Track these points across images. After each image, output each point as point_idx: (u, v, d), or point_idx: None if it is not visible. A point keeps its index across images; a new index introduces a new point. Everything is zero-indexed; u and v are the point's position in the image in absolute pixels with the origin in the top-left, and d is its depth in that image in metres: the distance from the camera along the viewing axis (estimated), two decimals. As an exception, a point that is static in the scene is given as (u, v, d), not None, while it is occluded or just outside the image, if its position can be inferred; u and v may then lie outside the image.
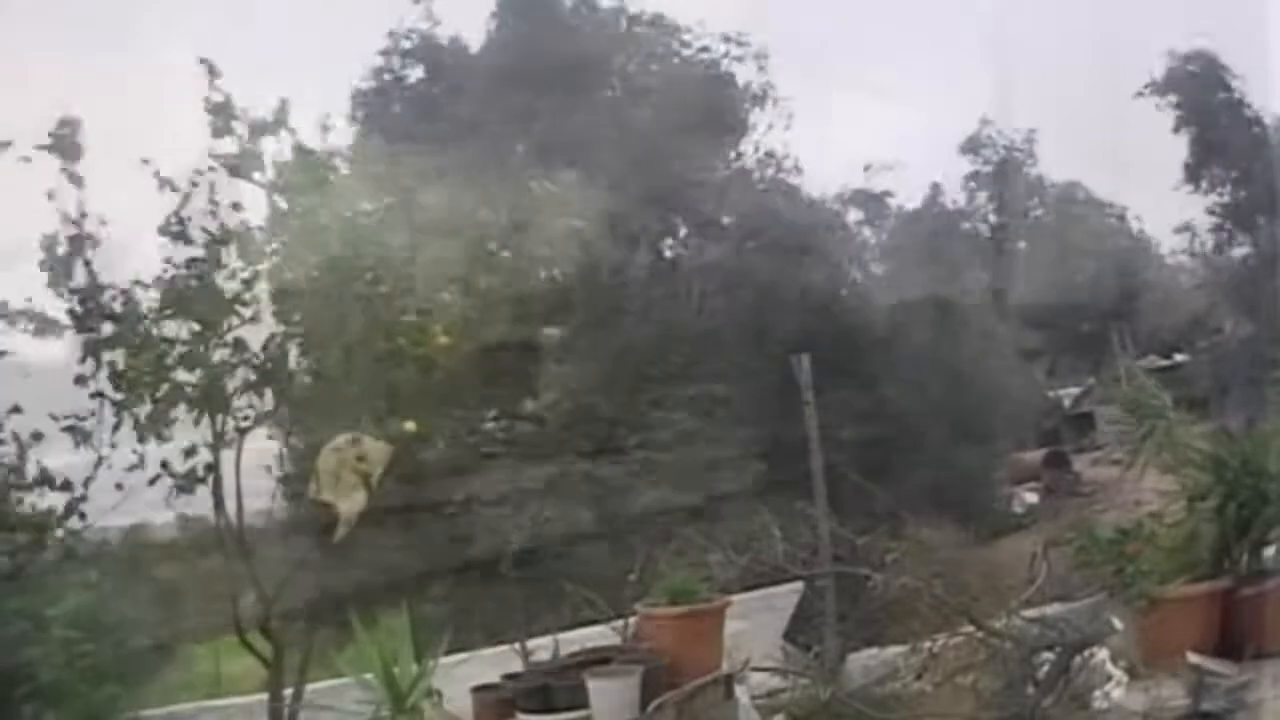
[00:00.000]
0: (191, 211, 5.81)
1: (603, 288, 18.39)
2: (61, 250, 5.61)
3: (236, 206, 5.86)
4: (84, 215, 5.60)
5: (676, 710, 6.04)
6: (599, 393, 17.39)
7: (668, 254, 20.17)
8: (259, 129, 5.87)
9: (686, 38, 21.07)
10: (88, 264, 5.65)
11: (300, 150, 5.97)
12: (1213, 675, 5.60)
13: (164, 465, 5.66)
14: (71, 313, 5.63)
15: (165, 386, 5.62)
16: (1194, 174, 22.47)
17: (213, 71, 5.84)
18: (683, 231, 20.11)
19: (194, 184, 5.77)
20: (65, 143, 5.62)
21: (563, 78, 19.06)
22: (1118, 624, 6.15)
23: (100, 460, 5.65)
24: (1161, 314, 24.41)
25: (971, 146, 24.04)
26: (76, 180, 5.62)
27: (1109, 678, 5.94)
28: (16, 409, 5.78)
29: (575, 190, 17.34)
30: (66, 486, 5.75)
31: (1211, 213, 22.61)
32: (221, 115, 5.84)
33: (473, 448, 16.84)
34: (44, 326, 5.64)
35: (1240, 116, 21.90)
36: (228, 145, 5.86)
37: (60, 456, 5.77)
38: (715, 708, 6.27)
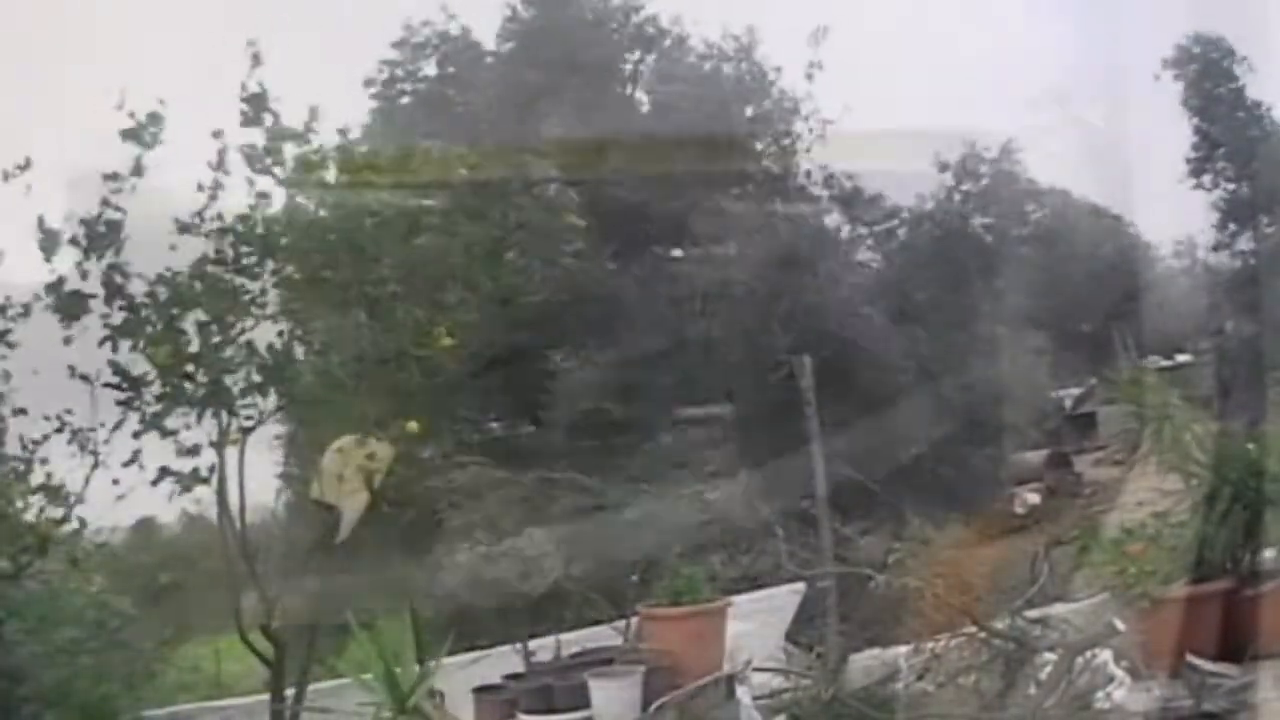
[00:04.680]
0: (211, 205, 5.83)
1: (605, 288, 18.37)
2: (100, 234, 5.63)
3: (263, 197, 5.87)
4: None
5: (678, 710, 6.04)
6: (602, 397, 17.35)
7: (675, 255, 20.10)
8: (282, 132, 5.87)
9: (712, 43, 20.95)
10: (117, 251, 5.67)
11: (343, 150, 6.00)
12: (1215, 676, 5.60)
13: (163, 470, 5.65)
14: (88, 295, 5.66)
15: (177, 381, 5.63)
16: (1197, 168, 22.36)
17: (257, 60, 5.84)
18: (689, 235, 19.99)
19: (217, 182, 5.79)
20: (148, 135, 5.68)
21: (574, 74, 19.02)
22: (1120, 625, 6.14)
23: (97, 461, 5.66)
24: (1163, 314, 24.37)
25: (961, 168, 24.00)
26: (140, 170, 5.67)
27: (1111, 679, 5.93)
28: (22, 411, 5.79)
29: (581, 190, 17.35)
30: (65, 499, 5.75)
31: (1215, 209, 22.52)
32: (255, 105, 5.84)
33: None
34: (70, 303, 5.65)
35: (1245, 109, 21.78)
36: (255, 136, 5.88)
37: (61, 459, 5.78)
38: (717, 708, 6.27)
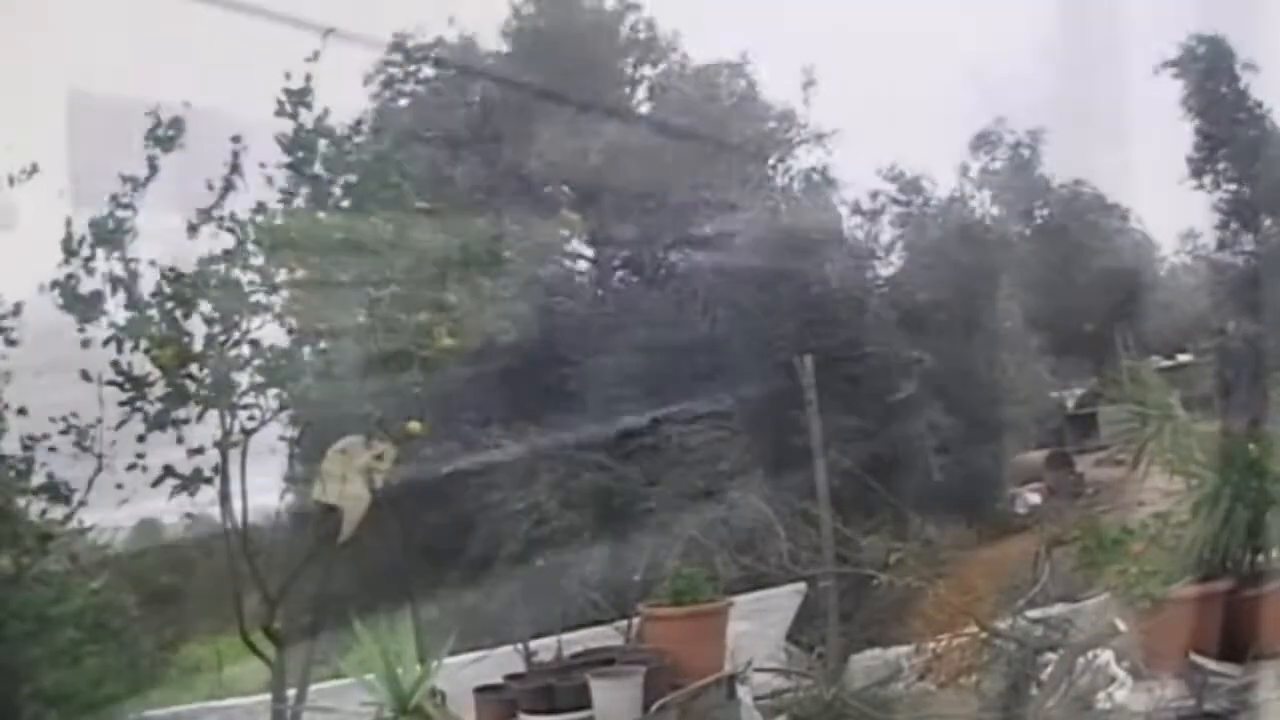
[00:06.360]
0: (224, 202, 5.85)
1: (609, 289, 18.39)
2: (109, 232, 5.65)
3: (286, 195, 5.88)
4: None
5: (679, 711, 6.04)
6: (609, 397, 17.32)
7: (676, 259, 20.05)
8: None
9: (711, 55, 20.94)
10: (124, 250, 5.69)
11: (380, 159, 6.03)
12: (1216, 676, 5.60)
13: (166, 470, 5.66)
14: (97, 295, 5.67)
15: (180, 381, 5.64)
16: (1198, 168, 22.29)
17: (316, 56, 5.87)
18: (692, 240, 19.93)
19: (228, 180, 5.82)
20: (169, 138, 5.71)
21: (575, 80, 19.03)
22: (1121, 625, 6.14)
23: (100, 462, 5.67)
24: (1165, 314, 24.33)
25: (981, 143, 23.81)
26: (155, 169, 5.70)
27: (1113, 679, 5.93)
28: (22, 411, 5.80)
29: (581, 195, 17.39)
30: (66, 498, 5.76)
31: (1216, 209, 22.47)
32: (294, 100, 5.86)
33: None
34: (77, 303, 5.66)
35: (1247, 109, 21.71)
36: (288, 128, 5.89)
37: (64, 459, 5.79)
38: (718, 708, 6.27)
